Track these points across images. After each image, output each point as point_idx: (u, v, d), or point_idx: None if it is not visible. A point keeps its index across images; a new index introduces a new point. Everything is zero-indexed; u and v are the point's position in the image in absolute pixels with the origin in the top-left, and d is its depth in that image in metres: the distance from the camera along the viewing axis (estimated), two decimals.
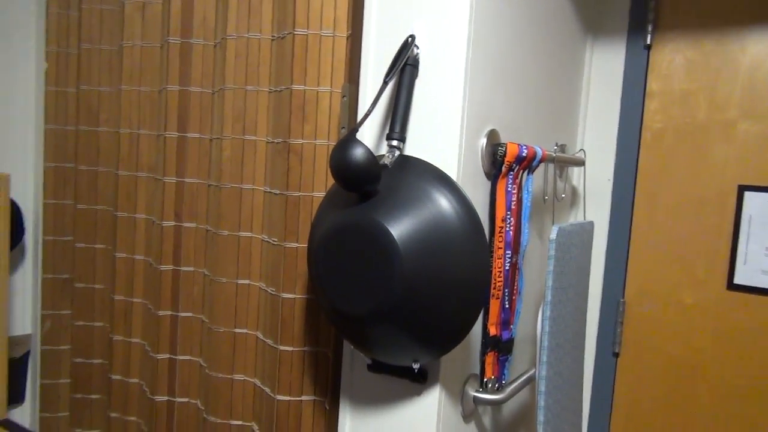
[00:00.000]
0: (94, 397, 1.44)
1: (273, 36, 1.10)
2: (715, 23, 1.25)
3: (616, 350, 1.37)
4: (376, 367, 0.92)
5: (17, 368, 1.52)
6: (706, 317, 1.27)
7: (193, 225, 1.22)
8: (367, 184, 0.79)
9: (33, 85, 1.51)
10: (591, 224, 1.20)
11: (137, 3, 1.29)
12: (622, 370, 1.37)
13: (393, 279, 0.77)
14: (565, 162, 1.18)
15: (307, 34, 1.02)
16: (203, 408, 1.20)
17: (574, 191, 1.39)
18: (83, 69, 1.40)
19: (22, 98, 1.53)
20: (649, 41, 1.32)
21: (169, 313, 1.24)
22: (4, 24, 1.50)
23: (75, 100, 1.45)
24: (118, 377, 1.36)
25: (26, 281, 1.57)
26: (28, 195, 1.54)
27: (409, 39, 0.86)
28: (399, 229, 0.77)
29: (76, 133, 1.43)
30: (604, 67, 1.37)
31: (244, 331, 1.14)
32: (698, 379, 1.28)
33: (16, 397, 1.53)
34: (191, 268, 1.23)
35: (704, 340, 1.27)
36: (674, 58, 1.30)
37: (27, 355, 1.55)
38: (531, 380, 1.06)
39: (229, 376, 1.15)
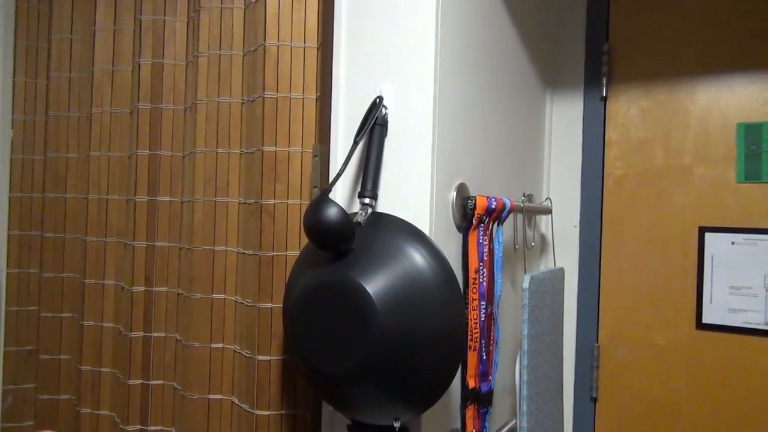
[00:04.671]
0: None
1: (243, 99, 1.12)
2: (665, 74, 1.33)
3: (594, 395, 1.37)
4: (356, 428, 0.90)
5: None
6: (679, 357, 1.29)
7: (164, 289, 1.20)
8: (341, 242, 0.79)
9: None
10: (561, 270, 1.22)
11: (106, 70, 1.30)
12: (601, 415, 1.37)
13: (371, 336, 0.76)
14: (533, 211, 1.21)
15: (276, 97, 1.04)
16: None
17: (543, 239, 1.42)
18: (51, 136, 1.40)
19: None
20: (604, 93, 1.38)
21: (140, 381, 1.20)
22: None
23: (42, 168, 1.43)
24: None
25: None
26: None
27: (377, 100, 0.89)
28: (375, 285, 0.77)
29: (42, 200, 1.41)
30: (564, 118, 1.43)
31: (219, 396, 1.11)
32: (675, 420, 1.29)
33: None
34: (163, 334, 1.20)
35: (679, 380, 1.29)
36: (629, 108, 1.37)
37: None
38: (513, 431, 1.06)
39: None
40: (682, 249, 1.29)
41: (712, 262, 1.25)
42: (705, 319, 1.26)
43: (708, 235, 1.26)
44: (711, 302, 1.25)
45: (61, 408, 1.37)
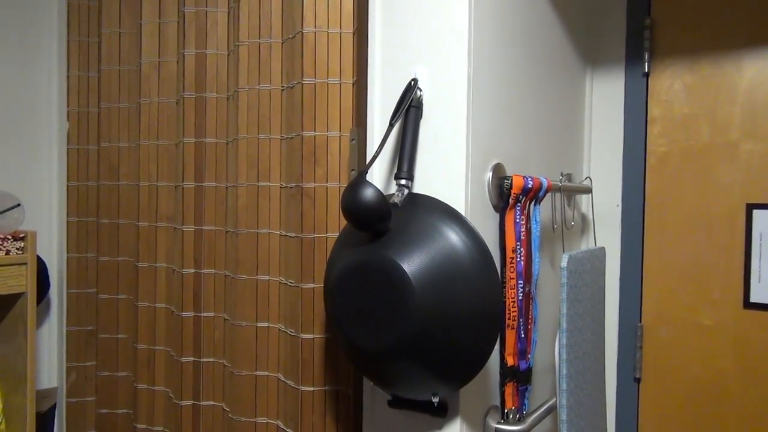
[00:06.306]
0: None
1: (283, 86, 1.15)
2: (710, 48, 1.29)
3: (638, 375, 1.36)
4: (396, 402, 0.93)
5: (44, 422, 1.54)
6: (726, 338, 1.26)
7: (212, 271, 1.26)
8: (378, 222, 0.81)
9: (56, 144, 1.58)
10: (602, 250, 1.21)
11: (153, 62, 1.35)
12: (644, 396, 1.36)
13: (408, 313, 0.78)
14: (571, 191, 1.20)
15: (314, 83, 1.07)
16: None
17: (583, 218, 1.40)
18: (103, 127, 1.47)
19: (45, 157, 1.59)
20: (647, 69, 1.35)
21: (192, 359, 1.27)
22: (27, 87, 1.57)
23: (96, 157, 1.51)
24: (143, 426, 1.37)
25: (51, 335, 1.61)
26: (53, 250, 1.59)
27: (412, 82, 0.91)
28: (411, 264, 0.79)
29: (97, 188, 1.49)
30: (605, 95, 1.41)
31: (265, 373, 1.16)
32: (723, 401, 1.27)
33: None
34: (212, 314, 1.26)
35: (725, 361, 1.26)
36: (673, 84, 1.33)
37: (53, 408, 1.58)
38: (552, 409, 1.06)
39: (252, 420, 1.16)
40: (729, 227, 1.26)
41: (760, 239, 1.22)
42: (753, 298, 1.23)
43: (756, 212, 1.22)
44: (759, 281, 1.22)
45: (120, 384, 1.46)
